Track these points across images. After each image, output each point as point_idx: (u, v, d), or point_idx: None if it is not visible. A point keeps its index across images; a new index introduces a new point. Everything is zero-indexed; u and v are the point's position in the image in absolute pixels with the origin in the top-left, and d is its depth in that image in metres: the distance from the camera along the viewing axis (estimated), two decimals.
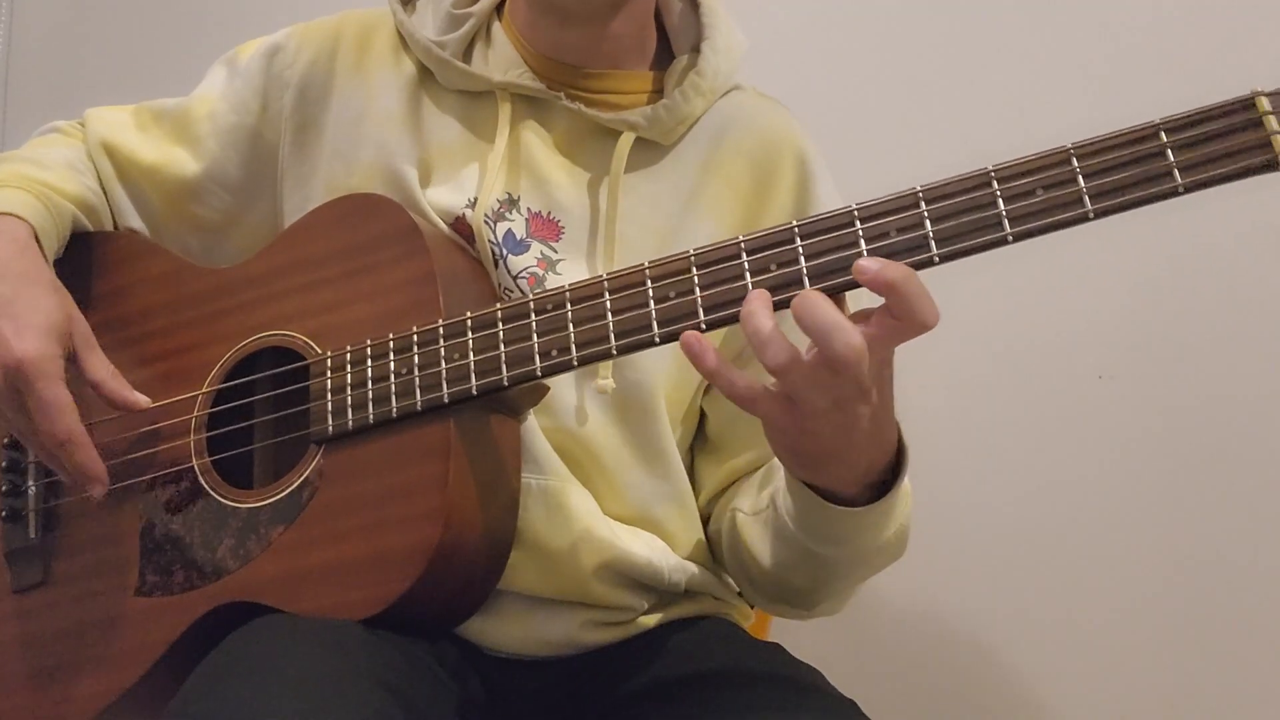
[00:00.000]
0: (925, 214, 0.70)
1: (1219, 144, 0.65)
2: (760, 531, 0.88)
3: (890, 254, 0.70)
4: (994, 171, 0.69)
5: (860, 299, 0.71)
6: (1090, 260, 1.14)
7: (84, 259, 0.96)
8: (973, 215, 0.69)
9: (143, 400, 0.89)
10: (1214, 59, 1.12)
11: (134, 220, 1.02)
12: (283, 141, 0.98)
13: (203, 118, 1.00)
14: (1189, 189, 0.65)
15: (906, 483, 0.80)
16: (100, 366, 0.88)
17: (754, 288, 0.72)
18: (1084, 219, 0.67)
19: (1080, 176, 0.67)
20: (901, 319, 0.66)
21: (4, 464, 0.94)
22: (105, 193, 1.01)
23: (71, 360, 0.87)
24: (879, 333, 0.67)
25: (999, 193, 0.69)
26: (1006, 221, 0.68)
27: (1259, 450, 1.12)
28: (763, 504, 0.88)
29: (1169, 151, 0.66)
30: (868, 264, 0.66)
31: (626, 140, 0.92)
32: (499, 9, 0.99)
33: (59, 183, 0.96)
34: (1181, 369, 1.14)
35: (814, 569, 0.86)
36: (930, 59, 1.29)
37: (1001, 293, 1.20)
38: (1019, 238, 0.68)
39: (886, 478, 0.77)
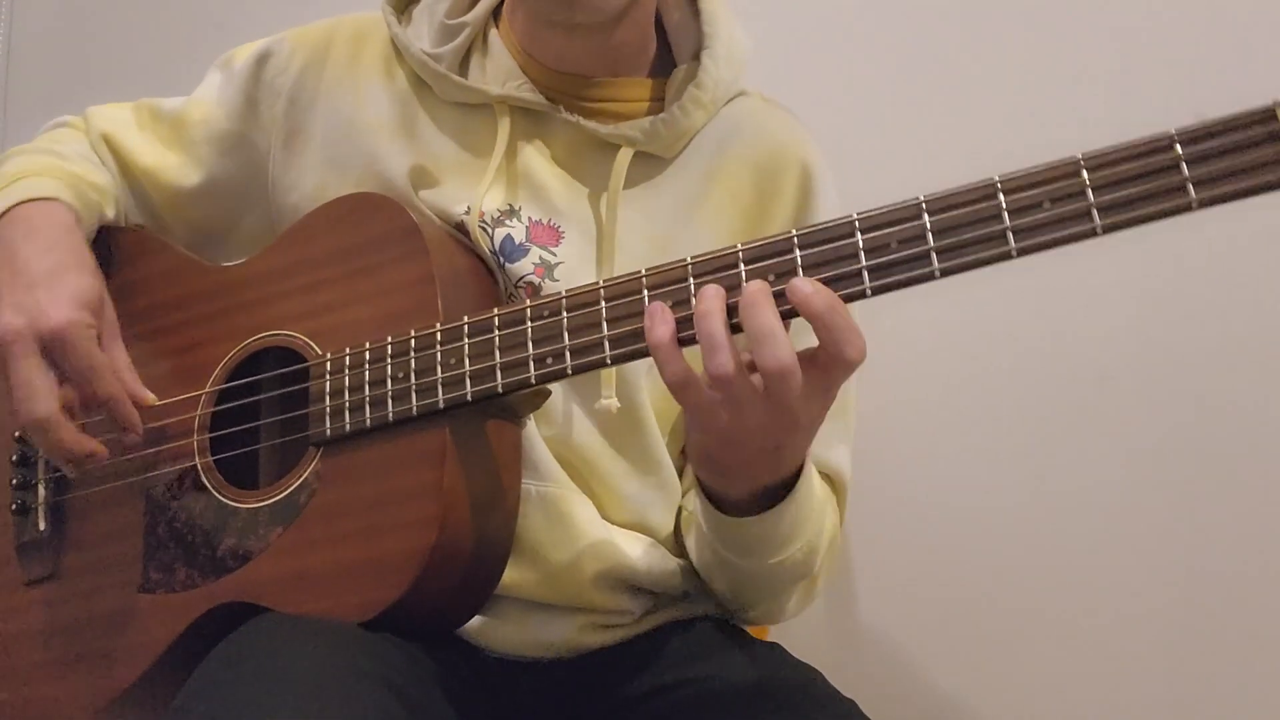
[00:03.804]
0: (928, 225, 0.68)
1: (1236, 158, 0.62)
2: (690, 532, 0.91)
3: (890, 267, 0.69)
4: (1000, 182, 0.67)
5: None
6: (1092, 262, 1.11)
7: (94, 252, 0.97)
8: (977, 228, 0.67)
9: (150, 397, 0.89)
10: (1234, 67, 1.08)
11: (135, 216, 1.03)
12: (273, 147, 0.97)
13: (197, 123, 1.00)
14: (1203, 205, 0.63)
15: (819, 508, 0.83)
16: (118, 356, 0.89)
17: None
18: (1091, 234, 0.65)
19: (1090, 190, 0.65)
20: (828, 349, 0.67)
21: (14, 458, 0.95)
22: None
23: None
24: (815, 367, 0.68)
25: (1005, 205, 0.66)
26: (1011, 235, 0.66)
27: (1260, 453, 1.09)
28: (690, 505, 0.91)
29: (1183, 165, 0.63)
30: (801, 285, 0.67)
31: (625, 155, 0.91)
32: (495, 14, 0.97)
33: (86, 174, 0.96)
34: (1183, 372, 1.11)
35: (727, 575, 0.87)
36: (939, 61, 1.26)
37: (1001, 294, 1.17)
38: (1024, 253, 0.66)
39: (779, 490, 0.78)
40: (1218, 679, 1.09)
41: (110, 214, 0.99)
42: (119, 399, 0.86)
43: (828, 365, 0.68)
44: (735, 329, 0.69)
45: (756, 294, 0.67)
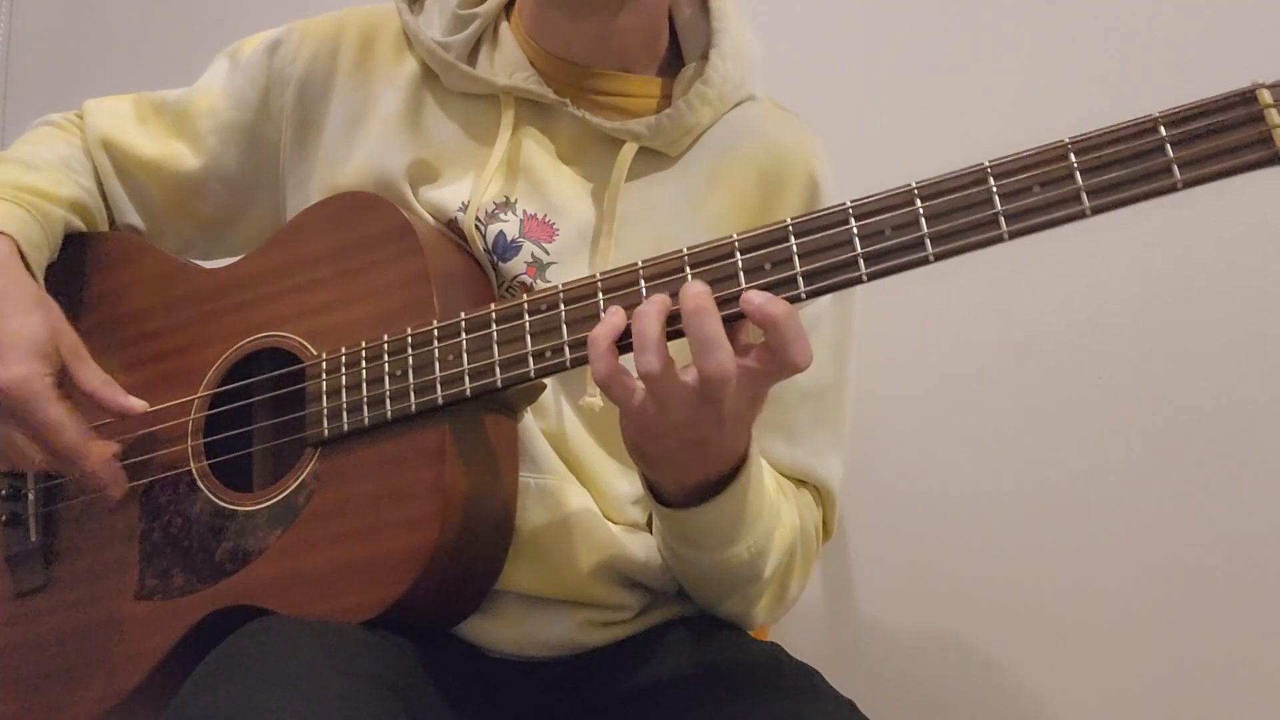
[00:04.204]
0: (921, 211, 0.69)
1: (1219, 139, 0.64)
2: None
3: (885, 253, 0.70)
4: (990, 167, 0.68)
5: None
6: (1089, 257, 1.13)
7: (78, 260, 0.96)
8: (969, 213, 0.68)
9: (139, 405, 0.88)
10: (1214, 50, 1.10)
11: (132, 216, 1.02)
12: (284, 140, 0.97)
13: (204, 113, 0.99)
14: (1187, 185, 0.64)
15: (770, 511, 0.83)
16: (92, 376, 0.87)
17: (747, 287, 0.72)
18: (1081, 216, 0.66)
19: (1078, 173, 0.66)
20: (777, 354, 0.69)
21: (3, 468, 0.94)
22: (102, 189, 1.01)
23: (62, 374, 0.86)
24: (755, 366, 0.70)
25: (995, 189, 0.68)
26: (1003, 219, 0.68)
27: (1259, 450, 1.10)
28: None
29: (1168, 146, 0.65)
30: (754, 296, 0.69)
31: (629, 151, 0.91)
32: (507, 8, 0.97)
33: (50, 186, 0.94)
34: (1181, 368, 1.13)
35: (679, 568, 0.88)
36: (928, 51, 1.27)
37: (999, 289, 1.18)
38: (1015, 235, 0.68)
39: (720, 486, 0.79)
40: (1217, 674, 1.09)
41: (80, 225, 0.97)
42: (76, 452, 0.84)
43: (774, 368, 0.70)
44: (678, 334, 0.71)
45: (700, 298, 0.70)
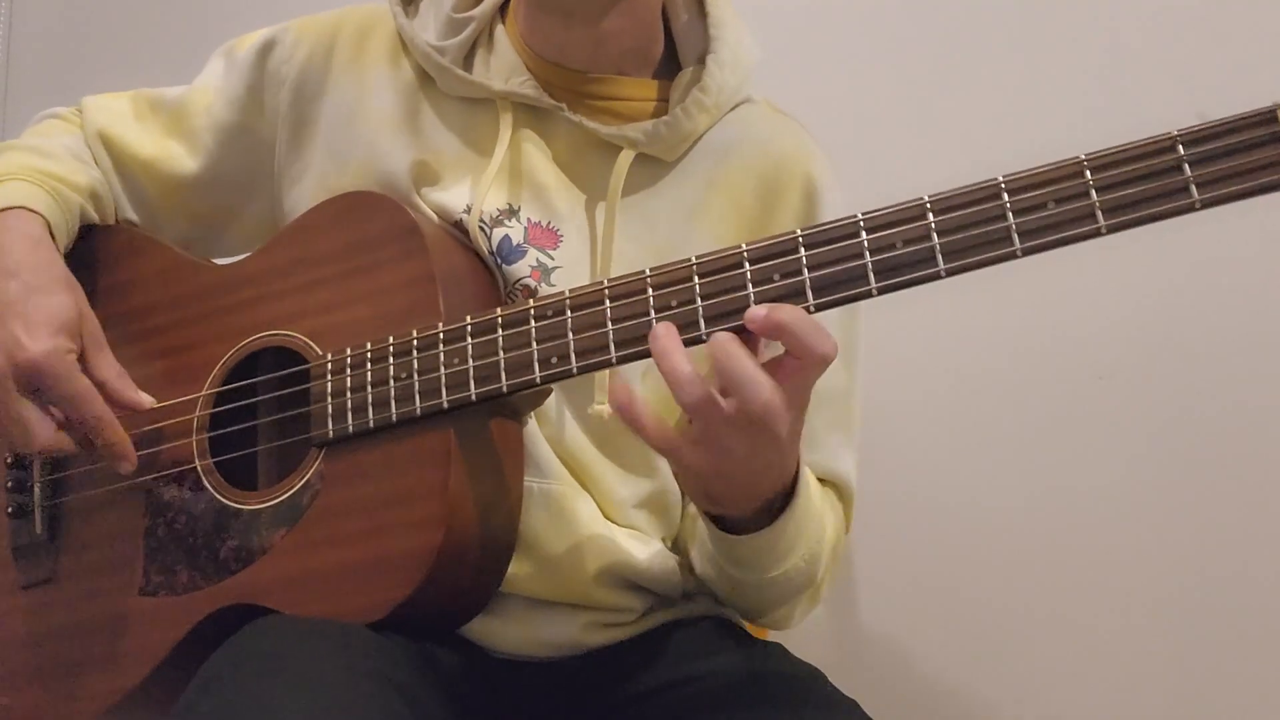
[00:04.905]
0: (933, 225, 0.68)
1: (1238, 159, 0.63)
2: (694, 545, 0.91)
3: (895, 267, 0.69)
4: (1004, 182, 0.68)
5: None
6: (1090, 260, 1.12)
7: (85, 253, 0.96)
8: (982, 228, 0.68)
9: (147, 400, 0.88)
10: (1217, 53, 1.09)
11: (128, 212, 1.01)
12: (279, 139, 0.96)
13: (200, 112, 0.99)
14: (1205, 205, 0.64)
15: (818, 514, 0.83)
16: (107, 366, 0.88)
17: (756, 298, 0.71)
18: (1095, 234, 0.65)
19: (1093, 190, 0.65)
20: (801, 357, 0.68)
21: (9, 460, 0.94)
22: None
23: (80, 358, 0.86)
24: (789, 379, 0.68)
25: (1009, 205, 0.67)
26: (1016, 235, 0.67)
27: (1259, 451, 1.10)
28: (692, 511, 0.91)
29: (1186, 165, 0.64)
30: (755, 312, 0.68)
31: (626, 158, 0.90)
32: (502, 10, 0.96)
33: (67, 174, 0.94)
34: (1181, 370, 1.13)
35: (735, 589, 0.88)
36: (927, 52, 1.26)
37: (1000, 292, 1.18)
38: (1028, 252, 0.67)
39: (780, 502, 0.78)
40: (1219, 676, 1.10)
41: (94, 215, 0.97)
42: (103, 422, 0.85)
43: (806, 370, 0.68)
44: (695, 341, 0.70)
45: (727, 344, 0.68)
